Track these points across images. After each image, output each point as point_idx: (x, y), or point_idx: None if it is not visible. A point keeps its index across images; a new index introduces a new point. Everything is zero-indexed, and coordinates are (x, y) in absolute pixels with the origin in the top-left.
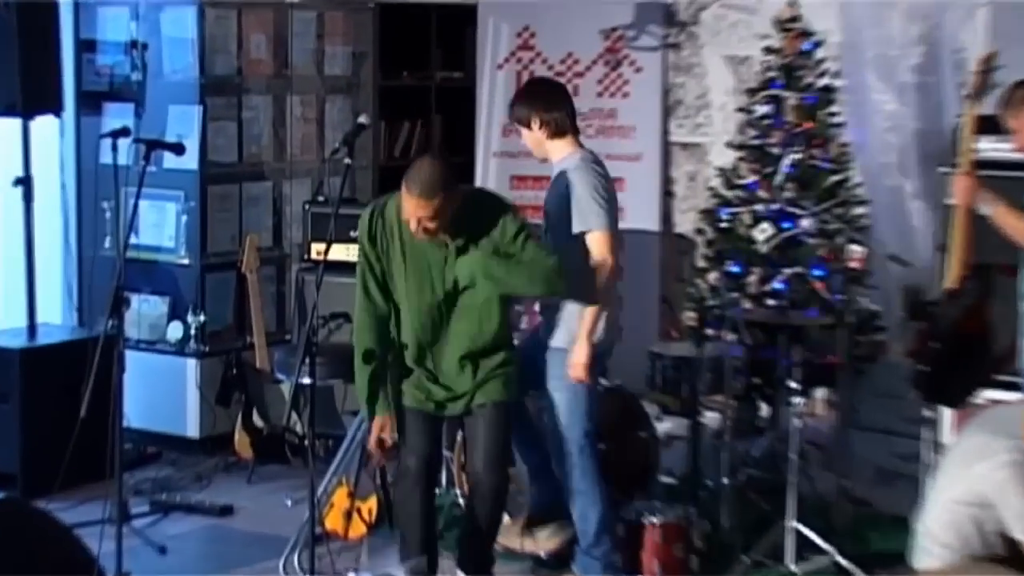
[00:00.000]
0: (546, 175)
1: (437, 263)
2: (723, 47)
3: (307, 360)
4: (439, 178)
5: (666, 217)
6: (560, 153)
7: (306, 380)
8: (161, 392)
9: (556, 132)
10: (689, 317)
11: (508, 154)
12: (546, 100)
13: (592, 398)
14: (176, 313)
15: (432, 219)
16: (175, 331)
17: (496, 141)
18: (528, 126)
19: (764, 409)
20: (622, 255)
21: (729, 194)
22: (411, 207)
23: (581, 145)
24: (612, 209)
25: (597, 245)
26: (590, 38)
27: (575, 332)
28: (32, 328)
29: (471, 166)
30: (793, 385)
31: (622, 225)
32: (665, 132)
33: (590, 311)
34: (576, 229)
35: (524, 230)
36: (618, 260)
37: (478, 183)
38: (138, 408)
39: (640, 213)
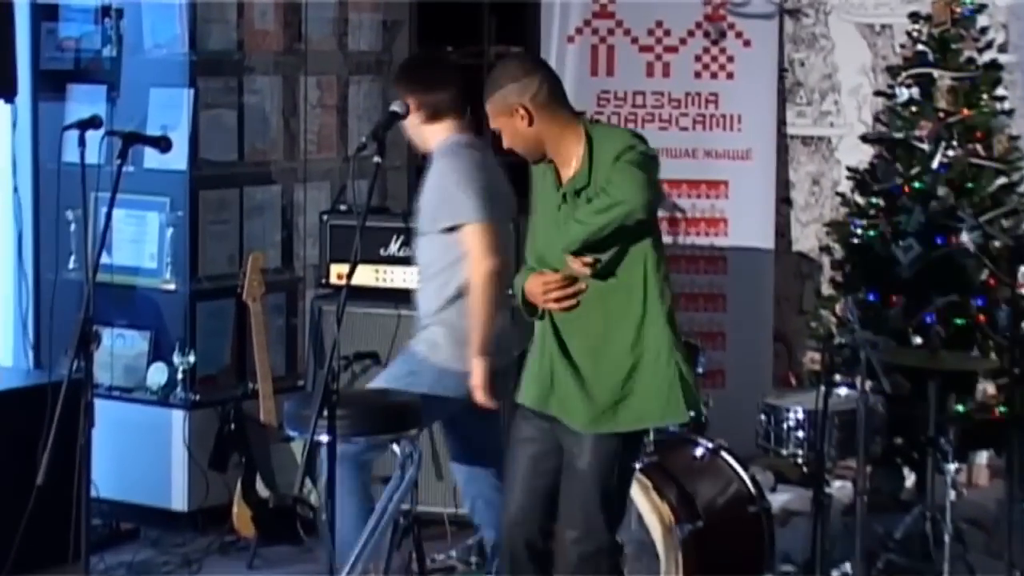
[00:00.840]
0: None
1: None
2: (857, 13)
3: (325, 413)
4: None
5: (782, 231)
6: (435, 140)
7: (323, 438)
8: (140, 453)
9: (432, 116)
10: (812, 359)
11: None
12: (427, 79)
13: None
14: (159, 352)
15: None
16: (157, 375)
17: None
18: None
19: (909, 477)
20: (506, 253)
21: (863, 202)
22: None
23: (464, 129)
24: (496, 197)
25: (474, 240)
26: (685, 3)
27: (452, 349)
28: None
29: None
30: (947, 447)
31: (725, 241)
32: (781, 123)
33: (478, 322)
34: (445, 224)
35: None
36: (506, 258)
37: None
38: (111, 473)
39: (748, 226)
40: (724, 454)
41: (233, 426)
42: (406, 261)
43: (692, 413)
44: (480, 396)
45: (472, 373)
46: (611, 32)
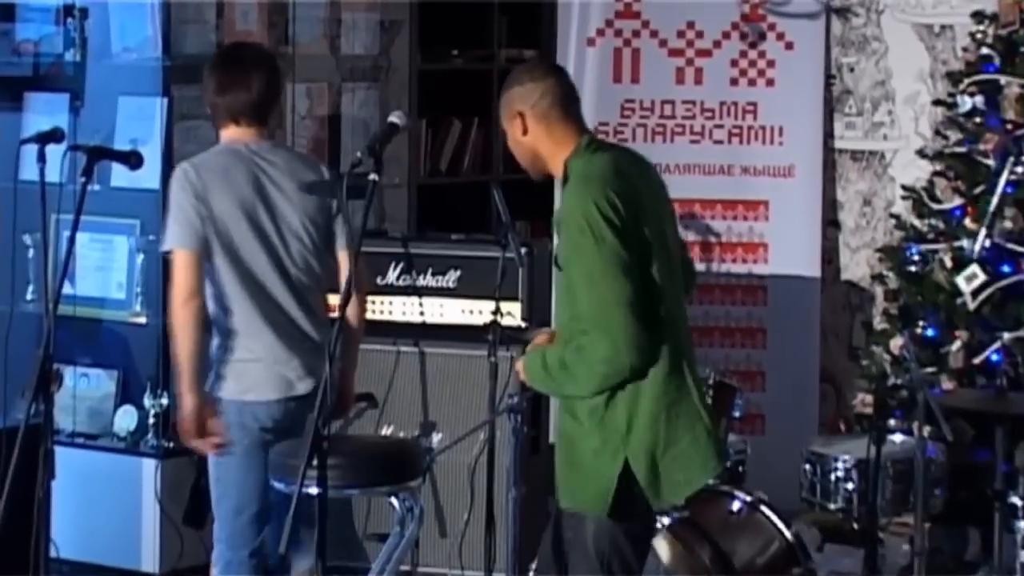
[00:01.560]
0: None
1: None
2: (913, 13)
3: (314, 462)
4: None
5: (829, 257)
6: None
7: (312, 490)
8: (106, 507)
9: (222, 120)
10: (863, 402)
11: None
12: (222, 77)
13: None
14: (128, 394)
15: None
16: (126, 419)
17: None
18: None
19: (975, 536)
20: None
21: (921, 224)
22: None
23: (265, 136)
24: (201, 221)
25: (174, 268)
26: (720, 2)
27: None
28: None
29: (548, 183)
30: (1016, 501)
31: (765, 268)
32: (828, 136)
33: (179, 352)
34: (162, 248)
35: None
36: (192, 287)
37: (558, 205)
38: (73, 530)
39: (791, 252)
40: (764, 508)
41: None
42: (406, 291)
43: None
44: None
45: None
46: (636, 34)
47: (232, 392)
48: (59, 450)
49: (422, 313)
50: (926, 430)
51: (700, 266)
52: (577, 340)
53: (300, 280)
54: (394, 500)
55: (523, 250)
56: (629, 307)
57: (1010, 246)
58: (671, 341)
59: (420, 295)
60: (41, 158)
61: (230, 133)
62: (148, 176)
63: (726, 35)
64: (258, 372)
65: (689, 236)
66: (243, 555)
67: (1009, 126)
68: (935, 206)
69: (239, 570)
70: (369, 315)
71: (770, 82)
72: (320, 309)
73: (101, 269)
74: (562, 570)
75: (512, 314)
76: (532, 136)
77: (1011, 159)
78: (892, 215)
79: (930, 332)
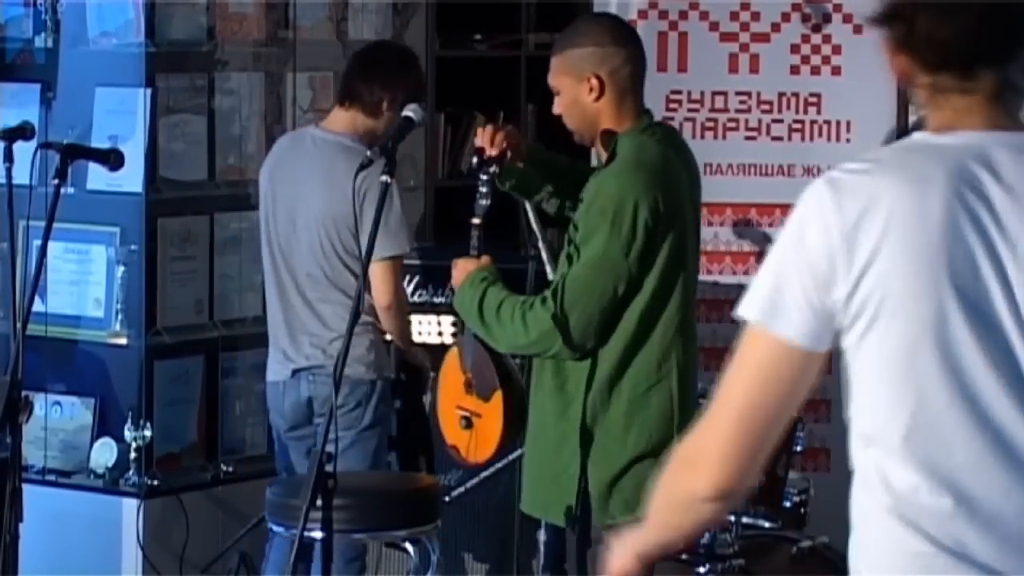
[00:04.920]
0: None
1: None
2: None
3: (318, 501)
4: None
5: None
6: None
7: (316, 534)
8: (81, 552)
9: None
10: None
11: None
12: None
13: None
14: (106, 425)
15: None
16: (104, 454)
17: None
18: None
19: None
20: None
21: None
22: None
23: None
24: None
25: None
26: None
27: None
28: None
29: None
30: None
31: None
32: (902, 131)
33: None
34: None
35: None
36: None
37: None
38: None
39: None
40: (828, 555)
41: None
42: (422, 308)
43: None
44: None
45: None
46: (683, 15)
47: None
48: (28, 488)
49: (440, 333)
50: None
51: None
52: (533, 299)
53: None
54: (408, 545)
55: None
56: (599, 308)
57: None
58: (688, 353)
59: (438, 313)
60: (8, 157)
61: None
62: (129, 178)
63: (786, 17)
64: None
65: (744, 246)
66: None
67: None
68: None
69: None
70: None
71: (836, 70)
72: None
73: (76, 283)
74: None
75: None
76: (604, 104)
77: None
78: None
79: None
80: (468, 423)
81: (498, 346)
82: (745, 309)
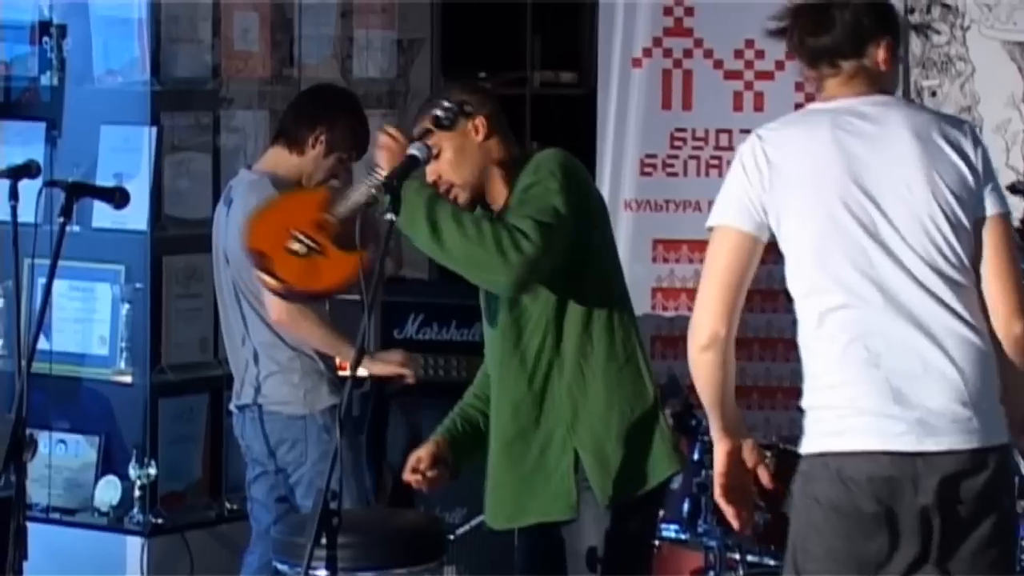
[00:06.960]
0: (706, 240)
1: None
2: (1003, 29)
3: (323, 540)
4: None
5: None
6: None
7: (321, 573)
8: None
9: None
10: None
11: (650, 204)
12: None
13: None
14: (110, 463)
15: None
16: (108, 492)
17: (630, 181)
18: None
19: None
20: None
21: None
22: None
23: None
24: None
25: None
26: None
27: None
28: None
29: None
30: None
31: None
32: None
33: None
34: None
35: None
36: None
37: None
38: None
39: None
40: None
41: None
42: (426, 347)
43: None
44: None
45: None
46: (688, 53)
47: None
48: (32, 527)
49: (444, 372)
50: None
51: (764, 317)
52: (513, 223)
53: None
54: None
55: None
56: (552, 262)
57: None
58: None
59: (444, 351)
60: (13, 195)
61: None
62: (134, 216)
63: (789, 55)
64: None
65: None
66: None
67: None
68: None
69: None
70: (385, 373)
71: None
72: None
73: (81, 321)
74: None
75: None
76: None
77: None
78: None
79: None
80: (308, 251)
81: (437, 245)
82: (712, 219)
